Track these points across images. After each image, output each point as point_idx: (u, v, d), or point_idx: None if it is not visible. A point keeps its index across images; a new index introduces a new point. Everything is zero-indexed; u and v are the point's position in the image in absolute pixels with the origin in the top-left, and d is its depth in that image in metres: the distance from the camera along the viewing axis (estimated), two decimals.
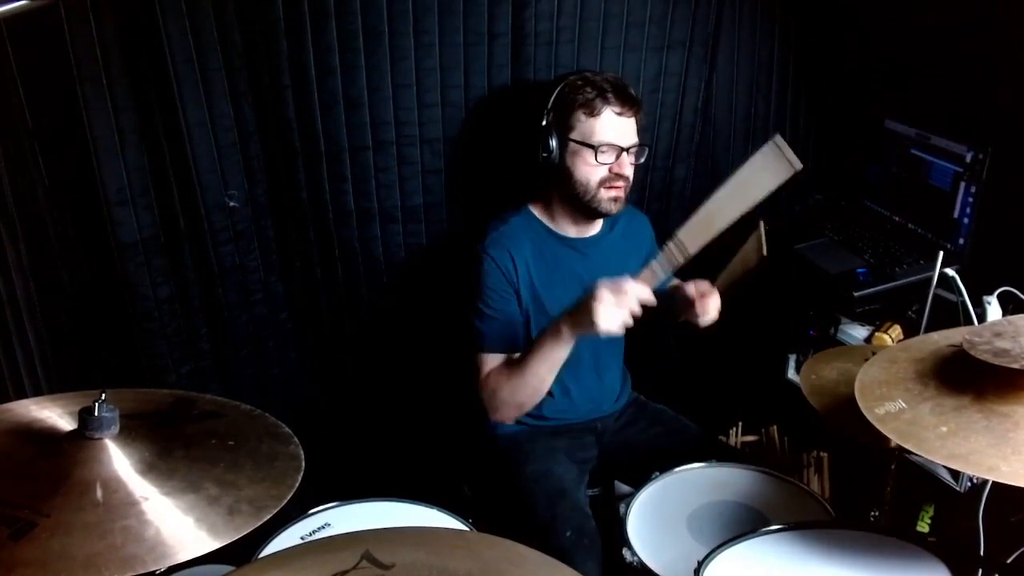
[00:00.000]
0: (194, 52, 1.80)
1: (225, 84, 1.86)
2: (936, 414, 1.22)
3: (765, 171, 1.44)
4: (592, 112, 1.77)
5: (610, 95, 1.77)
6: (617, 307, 1.52)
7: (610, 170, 1.79)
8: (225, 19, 1.81)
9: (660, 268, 1.56)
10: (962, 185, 2.07)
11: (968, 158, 2.05)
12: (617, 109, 1.78)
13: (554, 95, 1.81)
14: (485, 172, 2.12)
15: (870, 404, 1.28)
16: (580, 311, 1.58)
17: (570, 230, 1.91)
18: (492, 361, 1.81)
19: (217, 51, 1.82)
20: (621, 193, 1.83)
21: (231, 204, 1.95)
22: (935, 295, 1.88)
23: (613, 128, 1.78)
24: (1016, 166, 1.98)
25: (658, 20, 2.14)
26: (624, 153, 1.80)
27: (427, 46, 1.97)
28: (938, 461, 1.24)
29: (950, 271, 1.87)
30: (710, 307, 1.72)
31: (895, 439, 1.21)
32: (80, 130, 1.74)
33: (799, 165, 1.45)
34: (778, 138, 1.45)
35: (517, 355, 1.79)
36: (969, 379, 1.25)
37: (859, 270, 2.10)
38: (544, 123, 1.80)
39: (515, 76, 2.05)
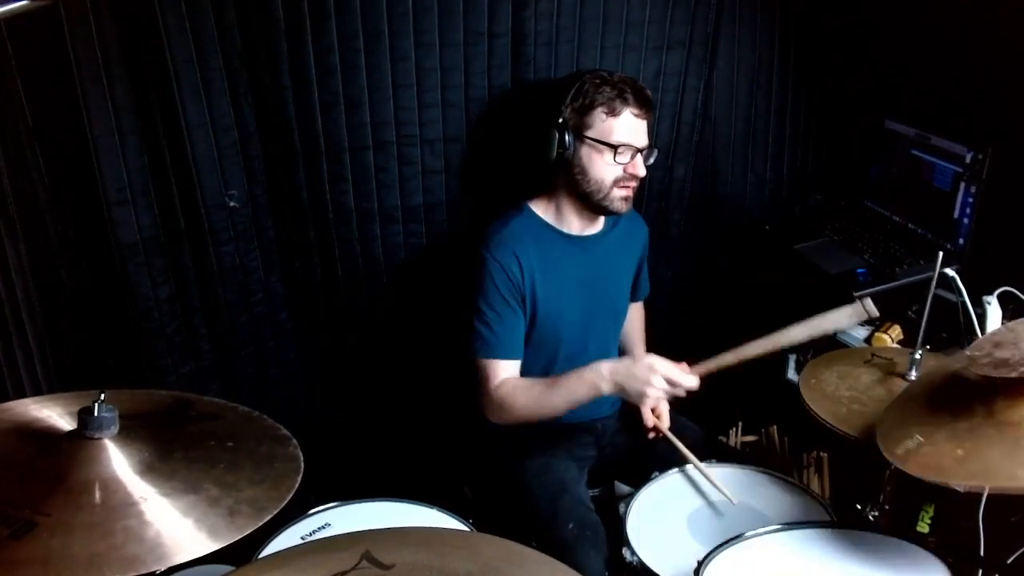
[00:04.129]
0: (194, 52, 1.80)
1: (225, 84, 1.86)
2: (952, 439, 1.21)
3: (844, 317, 1.65)
4: (612, 112, 1.78)
5: (629, 96, 1.79)
6: (666, 394, 1.65)
7: (625, 170, 1.81)
8: (225, 19, 1.81)
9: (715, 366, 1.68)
10: (962, 185, 2.07)
11: (968, 158, 2.05)
12: (635, 111, 1.80)
13: (571, 92, 1.81)
14: (485, 172, 2.11)
15: (890, 446, 1.27)
16: (628, 383, 1.65)
17: (574, 227, 1.91)
18: (498, 367, 1.81)
19: (217, 51, 1.82)
20: (631, 193, 1.85)
21: (231, 204, 1.95)
22: (935, 295, 1.88)
23: (631, 129, 1.80)
24: (1016, 166, 1.98)
25: (658, 20, 2.15)
26: (639, 154, 1.82)
27: (427, 46, 1.97)
28: (959, 484, 1.21)
29: (950, 271, 1.86)
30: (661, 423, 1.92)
31: (919, 475, 1.19)
32: (80, 130, 1.74)
33: (876, 314, 1.64)
34: (868, 302, 1.64)
35: (537, 377, 1.83)
36: (977, 396, 1.24)
37: (859, 270, 2.10)
38: (561, 120, 1.81)
39: (515, 76, 2.05)
